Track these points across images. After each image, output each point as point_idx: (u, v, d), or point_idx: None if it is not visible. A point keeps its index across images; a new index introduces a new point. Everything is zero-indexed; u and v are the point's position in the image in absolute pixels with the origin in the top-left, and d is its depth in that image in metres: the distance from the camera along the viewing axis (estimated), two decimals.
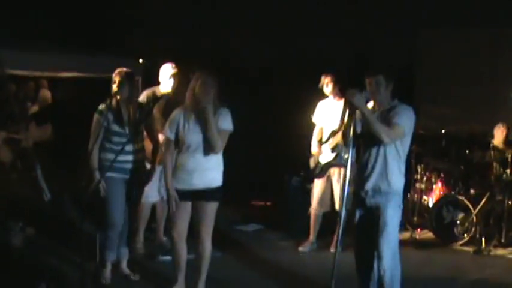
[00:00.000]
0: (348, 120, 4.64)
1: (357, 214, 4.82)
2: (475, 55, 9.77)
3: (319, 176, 6.80)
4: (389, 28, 9.71)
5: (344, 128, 4.74)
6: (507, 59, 9.62)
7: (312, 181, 7.02)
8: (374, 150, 4.67)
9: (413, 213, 7.94)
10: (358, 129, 4.70)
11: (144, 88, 6.76)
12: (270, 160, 8.99)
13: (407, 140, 4.76)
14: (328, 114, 6.71)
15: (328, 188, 6.83)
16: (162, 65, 6.38)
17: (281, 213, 8.05)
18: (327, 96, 6.81)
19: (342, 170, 6.38)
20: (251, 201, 9.31)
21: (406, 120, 4.65)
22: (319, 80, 6.79)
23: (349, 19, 9.58)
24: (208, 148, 4.93)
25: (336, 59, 8.95)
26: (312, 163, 6.85)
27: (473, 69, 9.79)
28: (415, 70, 10.33)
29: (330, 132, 6.63)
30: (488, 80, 9.76)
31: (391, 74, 4.81)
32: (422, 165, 8.04)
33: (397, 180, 4.72)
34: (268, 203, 9.24)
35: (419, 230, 7.77)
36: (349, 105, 4.57)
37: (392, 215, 4.68)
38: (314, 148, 6.85)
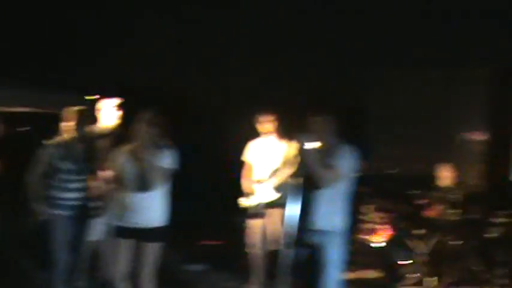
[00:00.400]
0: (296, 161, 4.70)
1: (300, 253, 4.81)
2: (427, 95, 9.98)
3: (260, 215, 6.68)
4: (340, 66, 9.88)
5: (295, 170, 4.78)
6: (460, 99, 9.84)
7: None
8: (318, 191, 4.70)
9: (359, 253, 7.90)
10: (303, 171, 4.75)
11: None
12: (221, 198, 8.94)
13: (350, 180, 4.80)
14: (262, 152, 6.67)
15: (270, 226, 6.66)
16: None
17: (230, 253, 7.97)
18: (262, 135, 6.73)
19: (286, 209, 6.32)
20: (202, 240, 9.20)
21: (345, 161, 4.72)
22: (255, 119, 6.73)
23: (299, 54, 9.70)
24: (144, 186, 4.89)
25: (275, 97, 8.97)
26: (248, 202, 6.71)
27: (425, 109, 9.98)
28: (367, 110, 10.47)
29: (270, 171, 6.55)
30: (441, 120, 9.96)
31: (337, 113, 4.89)
32: (370, 206, 8.06)
33: (340, 220, 4.75)
34: (219, 242, 9.16)
35: (365, 270, 7.73)
36: (299, 149, 4.63)
37: (335, 255, 4.69)
38: (250, 187, 6.72)
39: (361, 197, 7.92)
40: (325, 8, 10.00)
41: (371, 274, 7.71)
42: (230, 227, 7.81)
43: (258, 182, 6.66)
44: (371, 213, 8.04)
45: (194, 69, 9.74)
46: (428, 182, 7.98)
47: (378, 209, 8.08)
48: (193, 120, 9.59)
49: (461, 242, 7.48)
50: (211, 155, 9.30)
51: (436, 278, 7.29)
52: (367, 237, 7.96)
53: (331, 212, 4.74)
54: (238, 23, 9.83)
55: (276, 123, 6.63)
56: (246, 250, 6.86)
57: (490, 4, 9.19)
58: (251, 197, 6.67)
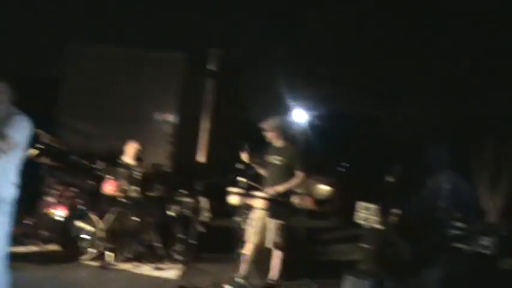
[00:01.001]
0: None
1: None
2: (123, 74, 10.03)
3: None
4: (38, 39, 9.49)
5: None
6: (154, 81, 10.05)
7: None
8: None
9: (41, 227, 7.66)
10: None
11: None
12: None
13: (20, 150, 4.68)
14: None
15: None
16: None
17: None
18: None
19: None
20: None
21: (18, 131, 4.59)
22: None
23: None
24: None
25: None
26: None
27: (120, 88, 10.03)
28: (62, 83, 10.20)
29: None
30: (132, 99, 10.08)
31: (14, 82, 4.74)
32: (54, 179, 7.87)
33: (5, 189, 4.59)
34: None
35: (47, 244, 7.54)
36: None
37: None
38: None
39: (46, 170, 7.74)
40: None
41: (53, 247, 7.54)
42: None
43: None
44: (55, 187, 7.86)
45: None
46: (115, 158, 8.05)
47: (61, 183, 7.93)
48: None
49: (140, 219, 7.73)
50: None
51: (114, 253, 7.43)
52: (50, 210, 7.77)
53: (2, 181, 4.58)
54: None
55: None
56: None
57: None
58: None
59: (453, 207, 4.17)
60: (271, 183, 7.19)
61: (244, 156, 7.23)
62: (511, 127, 9.28)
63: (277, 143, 7.31)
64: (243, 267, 7.14)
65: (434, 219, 4.18)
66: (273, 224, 7.04)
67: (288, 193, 7.11)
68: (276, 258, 7.16)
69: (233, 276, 7.09)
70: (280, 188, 7.03)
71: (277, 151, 7.26)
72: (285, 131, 7.37)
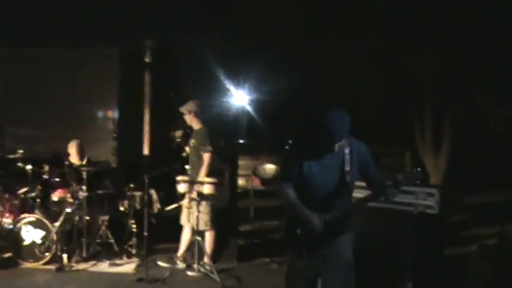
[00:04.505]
0: None
1: None
2: (54, 74, 9.96)
3: None
4: None
5: None
6: (91, 78, 10.03)
7: None
8: None
9: None
10: None
11: None
12: None
13: None
14: None
15: None
16: None
17: None
18: None
19: None
20: None
21: None
22: None
23: None
24: None
25: None
26: None
27: (55, 89, 9.97)
28: None
29: None
30: (71, 99, 10.04)
31: None
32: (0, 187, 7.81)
33: None
34: None
35: (0, 252, 7.51)
36: None
37: None
38: None
39: None
40: None
41: (7, 255, 7.49)
42: None
43: None
44: (1, 195, 7.79)
45: None
46: (60, 160, 8.04)
47: (7, 190, 7.87)
48: None
49: (91, 217, 7.76)
50: None
51: (71, 254, 7.47)
52: (0, 219, 7.72)
53: None
54: None
55: None
56: None
57: None
58: None
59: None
60: (191, 166, 7.43)
61: (178, 140, 7.54)
62: (450, 91, 9.56)
63: (194, 126, 7.51)
64: (181, 250, 7.50)
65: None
66: (203, 206, 7.23)
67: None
68: (209, 240, 7.40)
69: (173, 257, 7.46)
70: (201, 177, 7.17)
71: (193, 134, 7.51)
72: (201, 114, 7.50)
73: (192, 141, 7.42)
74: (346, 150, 4.27)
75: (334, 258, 4.36)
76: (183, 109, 7.47)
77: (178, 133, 7.54)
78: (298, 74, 10.49)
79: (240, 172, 8.93)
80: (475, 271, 5.99)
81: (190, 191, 7.13)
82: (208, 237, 7.39)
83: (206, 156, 7.24)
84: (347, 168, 4.24)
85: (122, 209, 8.07)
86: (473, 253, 7.09)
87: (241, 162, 9.12)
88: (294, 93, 13.11)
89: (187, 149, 7.59)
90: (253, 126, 13.98)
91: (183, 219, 7.52)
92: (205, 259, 7.32)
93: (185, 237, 7.51)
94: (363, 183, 4.58)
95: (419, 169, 4.45)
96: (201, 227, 7.26)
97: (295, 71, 10.43)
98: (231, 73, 11.51)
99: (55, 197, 7.94)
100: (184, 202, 7.45)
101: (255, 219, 9.33)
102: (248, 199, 9.32)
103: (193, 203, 7.16)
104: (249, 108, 14.29)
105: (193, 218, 7.23)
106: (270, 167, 9.17)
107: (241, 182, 9.41)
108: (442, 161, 10.33)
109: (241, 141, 13.24)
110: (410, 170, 4.41)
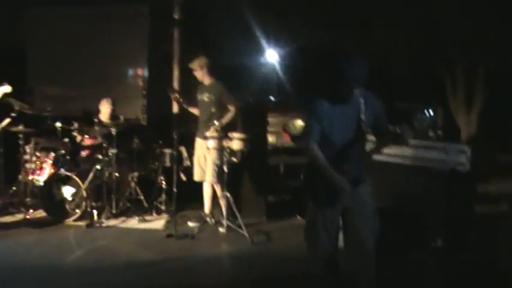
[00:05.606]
0: None
1: None
2: (84, 34, 9.94)
3: None
4: None
5: None
6: (116, 37, 10.00)
7: None
8: None
9: (25, 194, 7.74)
10: None
11: None
12: None
13: None
14: None
15: None
16: None
17: None
18: None
19: None
20: None
21: None
22: None
23: None
24: None
25: None
26: None
27: (83, 49, 9.96)
28: (27, 51, 10.11)
29: None
30: (101, 57, 10.03)
31: None
32: (31, 145, 7.89)
33: None
34: None
35: (32, 210, 7.62)
36: None
37: None
38: None
39: (24, 137, 7.76)
40: None
41: (39, 213, 7.61)
42: None
43: None
44: (33, 153, 7.89)
45: None
46: (90, 118, 8.06)
47: (39, 148, 7.96)
48: None
49: (121, 174, 7.81)
50: None
51: (100, 210, 7.55)
52: (32, 177, 7.83)
53: None
54: None
55: None
56: None
57: None
58: None
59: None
60: (203, 120, 7.45)
61: (173, 97, 7.77)
62: (481, 49, 9.31)
63: (206, 81, 7.49)
64: (206, 206, 7.57)
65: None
66: (211, 158, 7.30)
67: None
68: (220, 196, 7.43)
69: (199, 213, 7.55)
70: (223, 121, 7.23)
71: (206, 89, 7.49)
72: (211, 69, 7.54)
73: (205, 95, 7.40)
74: (362, 100, 4.22)
75: (358, 206, 4.33)
76: (194, 65, 7.47)
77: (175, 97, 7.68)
78: (331, 31, 10.29)
79: (269, 129, 8.88)
80: (505, 229, 5.87)
81: (219, 147, 7.14)
82: (211, 189, 7.49)
83: (233, 109, 7.35)
84: (362, 117, 4.21)
85: (151, 165, 8.11)
86: (504, 212, 6.98)
87: (270, 119, 9.04)
88: (324, 52, 12.92)
89: (188, 105, 7.70)
90: (283, 83, 13.83)
91: (196, 175, 7.58)
92: (206, 210, 7.54)
93: (206, 192, 7.55)
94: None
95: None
96: (207, 178, 7.36)
97: (328, 28, 10.24)
98: (262, 30, 11.38)
99: (85, 154, 8.00)
100: (196, 157, 7.55)
101: (285, 176, 9.28)
102: (278, 156, 9.28)
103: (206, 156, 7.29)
104: (279, 66, 14.14)
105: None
106: (299, 123, 9.09)
107: (271, 139, 9.36)
108: (474, 118, 10.08)
109: (272, 98, 13.19)
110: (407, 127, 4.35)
